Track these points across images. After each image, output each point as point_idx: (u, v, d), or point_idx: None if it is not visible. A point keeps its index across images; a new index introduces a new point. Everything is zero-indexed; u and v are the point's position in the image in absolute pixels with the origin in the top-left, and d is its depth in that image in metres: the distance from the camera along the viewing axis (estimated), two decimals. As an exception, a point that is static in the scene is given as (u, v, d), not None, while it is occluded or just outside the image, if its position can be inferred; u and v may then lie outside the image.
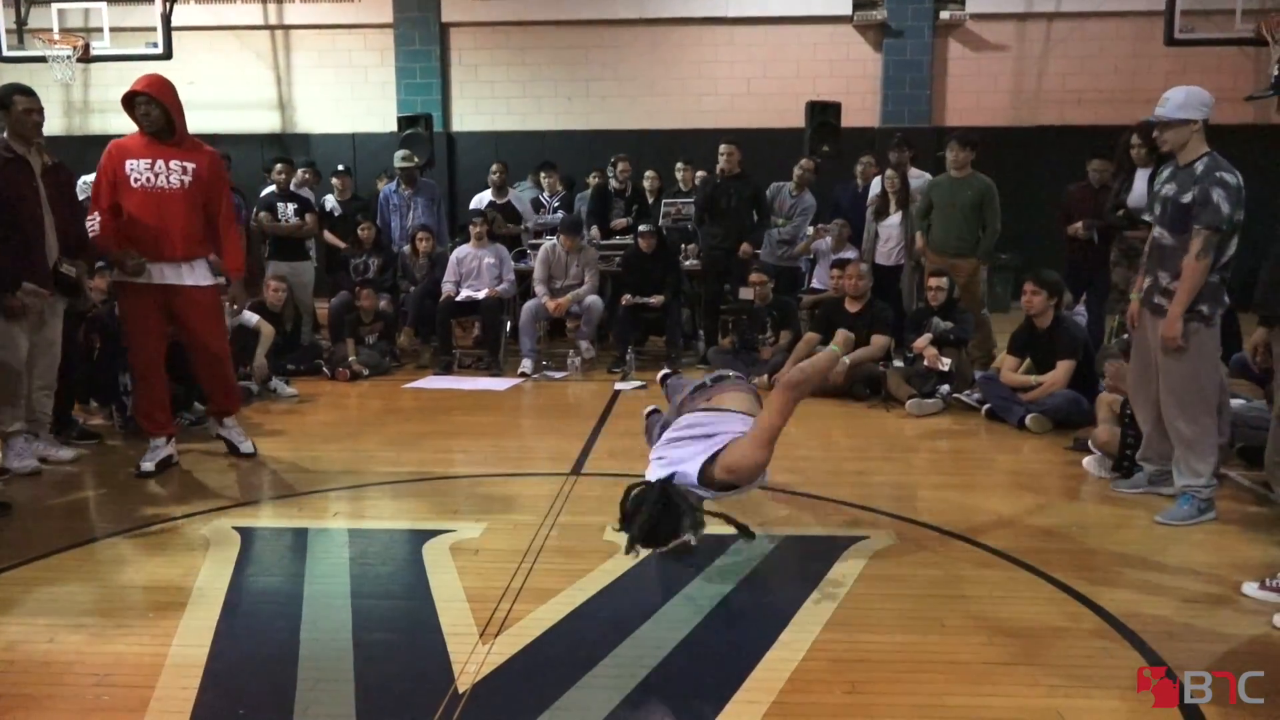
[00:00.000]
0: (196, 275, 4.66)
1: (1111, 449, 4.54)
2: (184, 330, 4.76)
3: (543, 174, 9.29)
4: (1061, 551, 3.59)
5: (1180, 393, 3.91)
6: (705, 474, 3.10)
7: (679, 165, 9.02)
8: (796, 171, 8.30)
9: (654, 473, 3.16)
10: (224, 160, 5.04)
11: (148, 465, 4.65)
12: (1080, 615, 3.03)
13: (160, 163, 4.51)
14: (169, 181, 4.51)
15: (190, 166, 4.55)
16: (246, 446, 4.97)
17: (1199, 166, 3.80)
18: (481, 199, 8.98)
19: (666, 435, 3.37)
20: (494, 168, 8.91)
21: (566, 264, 7.73)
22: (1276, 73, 10.06)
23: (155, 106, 4.49)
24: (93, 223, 4.64)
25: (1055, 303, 5.74)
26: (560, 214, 8.81)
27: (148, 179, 4.49)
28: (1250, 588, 3.16)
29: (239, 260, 4.85)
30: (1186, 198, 3.80)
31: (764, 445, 3.05)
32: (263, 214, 7.97)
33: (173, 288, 4.59)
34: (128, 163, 4.50)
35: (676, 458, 3.17)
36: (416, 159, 9.04)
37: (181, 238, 4.56)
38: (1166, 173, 4.04)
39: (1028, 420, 5.52)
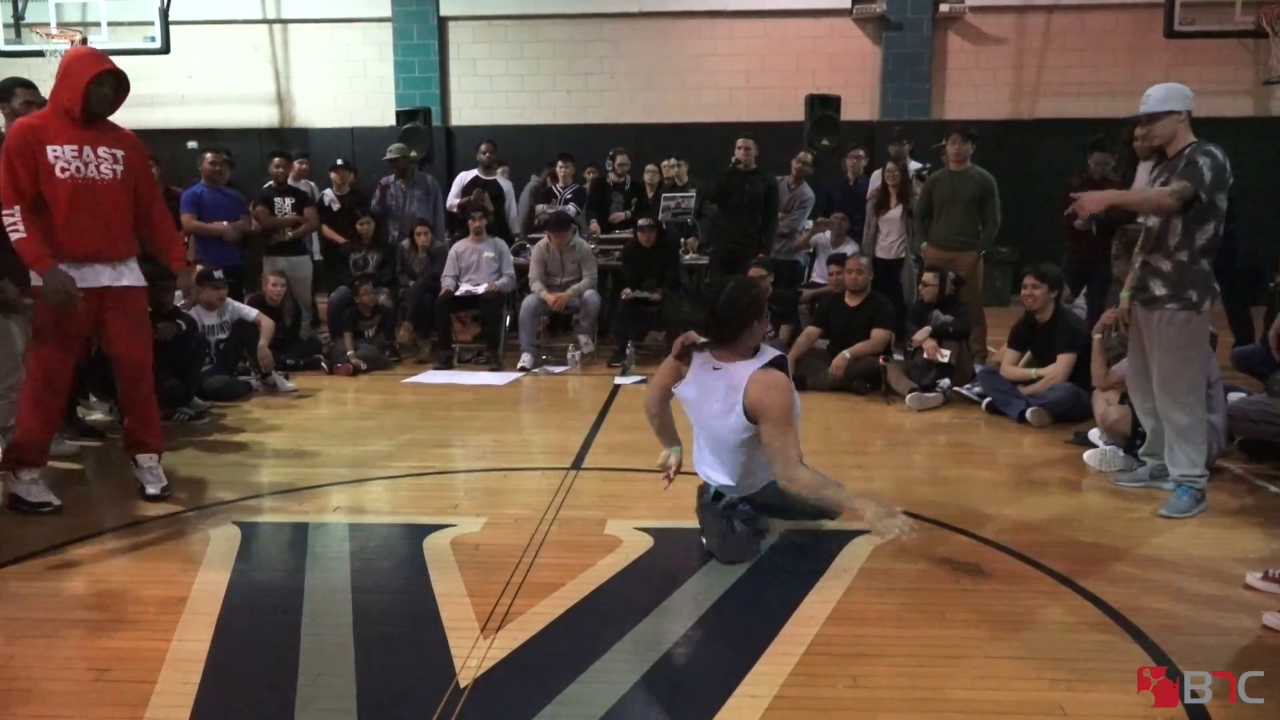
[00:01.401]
0: (132, 276, 4.12)
1: (1122, 428, 4.52)
2: (109, 338, 4.12)
3: (559, 163, 9.30)
4: (1063, 545, 3.59)
5: (1173, 381, 3.96)
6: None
7: (672, 161, 9.01)
8: (794, 165, 8.30)
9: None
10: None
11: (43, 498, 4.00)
12: (1082, 609, 3.03)
13: (88, 150, 3.89)
14: (99, 171, 3.92)
15: (120, 154, 3.99)
16: (153, 489, 4.17)
17: (1186, 151, 3.87)
18: (465, 176, 8.97)
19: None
20: (483, 147, 8.91)
21: (561, 261, 7.71)
22: None
23: (122, 94, 4.00)
24: (14, 220, 3.79)
25: (1055, 296, 5.74)
26: (571, 206, 8.80)
27: (76, 168, 3.86)
28: (1253, 578, 3.18)
29: (180, 250, 4.33)
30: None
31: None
32: (259, 208, 7.93)
33: (106, 291, 4.01)
34: (49, 149, 3.82)
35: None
36: (414, 152, 9.03)
37: (120, 235, 4.04)
38: (1158, 169, 4.13)
39: (1028, 414, 5.52)
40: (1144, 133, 4.03)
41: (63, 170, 3.84)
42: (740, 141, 7.83)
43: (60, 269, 3.82)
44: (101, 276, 4.00)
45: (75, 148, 3.87)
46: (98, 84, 3.88)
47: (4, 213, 3.82)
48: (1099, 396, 4.77)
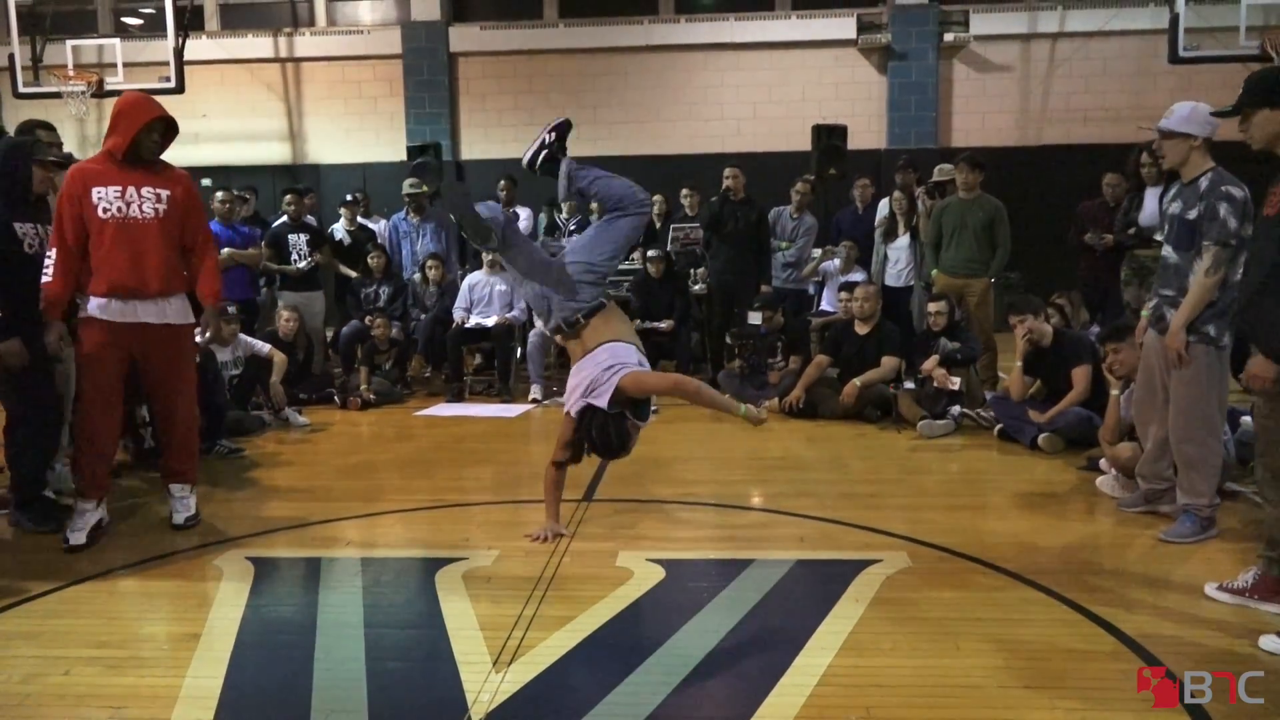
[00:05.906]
0: (174, 312, 4.19)
1: (1134, 466, 4.50)
2: (144, 372, 4.21)
3: None
4: (1076, 572, 3.57)
5: (1188, 415, 3.87)
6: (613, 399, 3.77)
7: (684, 191, 9.07)
8: (794, 195, 8.30)
9: (576, 404, 3.92)
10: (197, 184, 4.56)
11: (77, 537, 4.03)
12: (1096, 636, 3.01)
13: (131, 190, 4.03)
14: (141, 211, 4.04)
15: (164, 194, 4.10)
16: (179, 518, 4.29)
17: (1203, 182, 3.77)
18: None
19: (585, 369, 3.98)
20: (501, 184, 9.03)
21: None
22: None
23: (170, 136, 4.16)
24: (49, 263, 4.02)
25: (1047, 318, 5.74)
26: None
27: (118, 209, 4.01)
28: (1210, 588, 3.24)
29: (213, 287, 4.33)
30: (1192, 214, 3.78)
31: (644, 389, 3.84)
32: (266, 249, 7.97)
33: (146, 326, 4.10)
34: (94, 190, 3.99)
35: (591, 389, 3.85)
36: (425, 187, 9.11)
37: (155, 272, 4.08)
38: (1173, 191, 4.01)
39: (1040, 440, 5.49)
40: (1157, 145, 3.95)
41: (104, 211, 4.00)
42: (728, 171, 7.93)
43: (56, 324, 4.08)
44: (141, 313, 4.09)
45: (119, 189, 4.02)
46: (148, 130, 4.05)
47: (48, 253, 4.06)
48: (1106, 444, 4.73)
